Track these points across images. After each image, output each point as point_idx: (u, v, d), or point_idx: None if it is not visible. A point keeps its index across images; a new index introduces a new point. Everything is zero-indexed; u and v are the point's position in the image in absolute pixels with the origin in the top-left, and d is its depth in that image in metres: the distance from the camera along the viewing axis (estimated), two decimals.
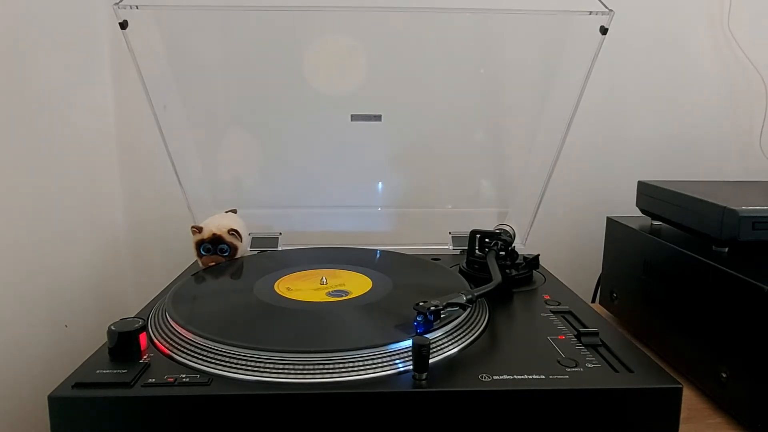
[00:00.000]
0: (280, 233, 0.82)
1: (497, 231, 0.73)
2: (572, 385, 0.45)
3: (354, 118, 0.80)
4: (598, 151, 0.95)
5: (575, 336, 0.53)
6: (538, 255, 0.73)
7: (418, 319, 0.50)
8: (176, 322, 0.52)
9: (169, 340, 0.50)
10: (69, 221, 0.76)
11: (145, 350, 0.49)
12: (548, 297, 0.64)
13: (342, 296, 0.59)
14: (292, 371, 0.45)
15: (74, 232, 0.77)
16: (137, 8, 0.71)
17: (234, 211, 0.78)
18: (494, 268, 0.63)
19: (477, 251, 0.72)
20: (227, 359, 0.47)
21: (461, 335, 0.52)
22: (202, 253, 0.71)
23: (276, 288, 0.62)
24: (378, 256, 0.75)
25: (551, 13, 0.75)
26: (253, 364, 0.46)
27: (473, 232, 0.72)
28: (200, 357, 0.47)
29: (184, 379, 0.45)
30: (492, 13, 0.77)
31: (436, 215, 0.88)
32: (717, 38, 0.93)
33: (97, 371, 0.45)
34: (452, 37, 0.80)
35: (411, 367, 0.46)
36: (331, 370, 0.45)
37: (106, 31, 0.84)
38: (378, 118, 0.80)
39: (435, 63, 0.81)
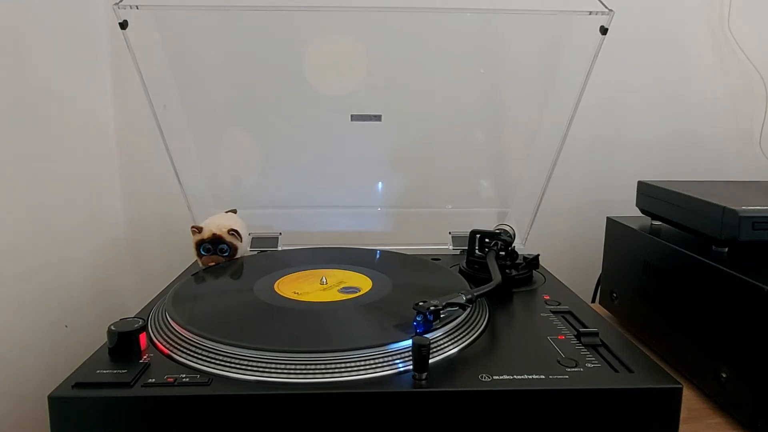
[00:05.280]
0: (280, 233, 0.82)
1: (497, 231, 0.73)
2: (572, 385, 0.45)
3: (354, 118, 0.80)
4: (598, 151, 0.96)
5: (575, 336, 0.53)
6: (538, 255, 0.73)
7: (418, 319, 0.50)
8: (176, 322, 0.52)
9: (169, 340, 0.50)
10: (69, 221, 0.76)
11: (145, 350, 0.49)
12: (548, 297, 0.64)
13: (354, 293, 0.60)
14: (292, 371, 0.45)
15: (74, 231, 0.77)
16: (137, 8, 0.71)
17: (234, 211, 0.78)
18: (494, 268, 0.63)
19: (477, 251, 0.72)
20: (227, 359, 0.47)
21: (461, 335, 0.52)
22: (202, 253, 0.71)
23: (276, 288, 0.62)
24: (378, 256, 0.75)
25: (551, 13, 0.75)
26: (253, 364, 0.46)
27: (473, 232, 0.72)
28: (200, 357, 0.47)
29: (184, 379, 0.45)
30: (492, 13, 0.77)
31: (436, 215, 0.88)
32: (717, 38, 0.93)
33: (97, 371, 0.46)
34: (452, 37, 0.80)
35: (411, 367, 0.45)
36: (331, 370, 0.45)
37: (106, 31, 0.84)
38: (378, 118, 0.80)
39: (435, 63, 0.81)
